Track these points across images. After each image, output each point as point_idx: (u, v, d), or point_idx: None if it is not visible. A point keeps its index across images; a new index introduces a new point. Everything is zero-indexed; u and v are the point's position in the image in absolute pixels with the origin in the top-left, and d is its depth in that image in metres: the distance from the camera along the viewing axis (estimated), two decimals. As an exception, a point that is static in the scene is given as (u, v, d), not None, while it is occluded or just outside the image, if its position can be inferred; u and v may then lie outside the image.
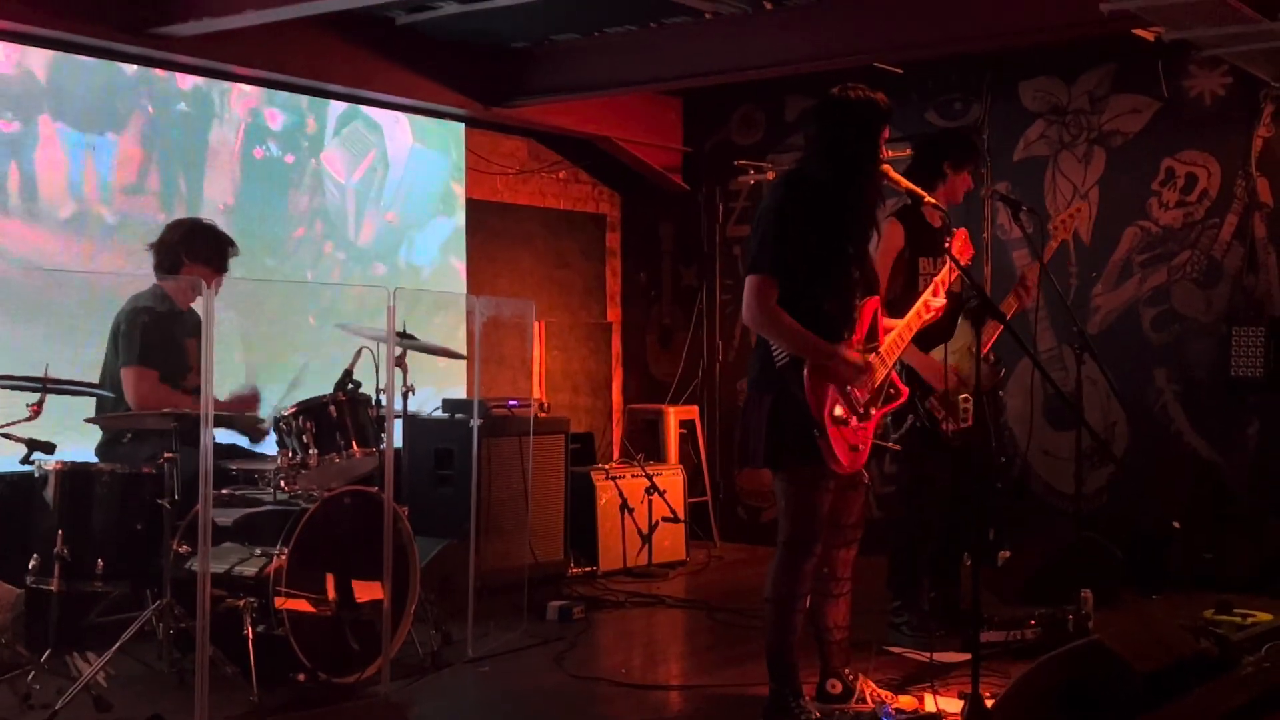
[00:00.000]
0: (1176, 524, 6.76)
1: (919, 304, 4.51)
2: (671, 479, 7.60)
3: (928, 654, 4.81)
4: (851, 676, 4.48)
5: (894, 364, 4.43)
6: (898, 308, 4.63)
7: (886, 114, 4.19)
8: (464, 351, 7.05)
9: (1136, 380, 7.09)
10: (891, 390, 4.40)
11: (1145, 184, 7.14)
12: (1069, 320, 6.55)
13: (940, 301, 4.54)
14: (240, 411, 5.38)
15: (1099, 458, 7.08)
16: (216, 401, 5.28)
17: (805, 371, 4.07)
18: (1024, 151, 7.50)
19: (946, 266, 4.61)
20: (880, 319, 4.37)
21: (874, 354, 4.30)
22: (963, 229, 4.85)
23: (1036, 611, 5.39)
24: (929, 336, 4.91)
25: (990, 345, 5.47)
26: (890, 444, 4.79)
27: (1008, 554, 6.73)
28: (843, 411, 4.14)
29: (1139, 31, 6.33)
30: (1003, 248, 7.52)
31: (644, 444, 8.18)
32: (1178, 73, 7.02)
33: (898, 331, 4.44)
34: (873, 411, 4.27)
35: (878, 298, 4.38)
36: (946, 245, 4.67)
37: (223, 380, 5.32)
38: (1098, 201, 7.24)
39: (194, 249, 5.31)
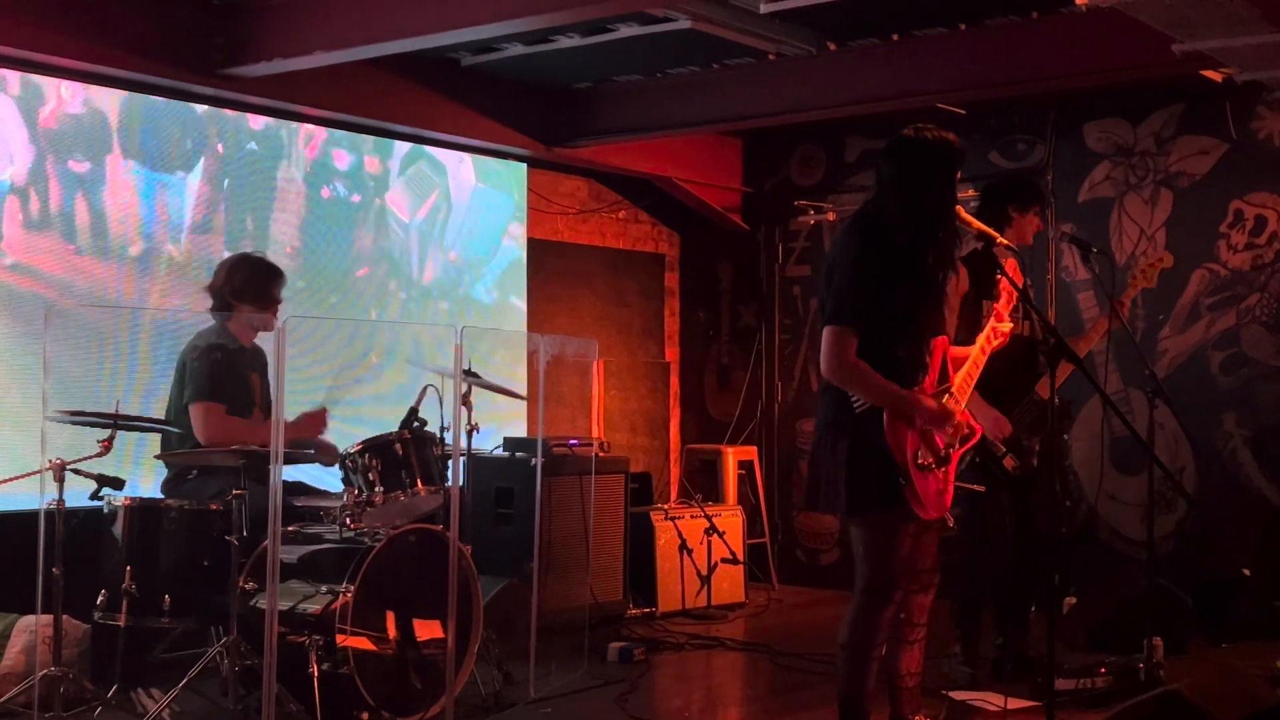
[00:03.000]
0: (1246, 571, 6.64)
1: (986, 330, 4.45)
2: (730, 520, 7.55)
3: (1001, 701, 4.74)
4: None
5: (965, 403, 4.37)
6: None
7: (961, 155, 4.16)
8: (524, 391, 7.06)
9: (1205, 425, 6.99)
10: (966, 429, 4.34)
11: (1213, 226, 7.06)
12: (1136, 363, 6.47)
13: (1007, 326, 4.46)
14: (307, 433, 5.40)
15: (1170, 499, 6.97)
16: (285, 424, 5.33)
17: (885, 419, 4.03)
18: (1089, 193, 7.44)
19: (1004, 296, 4.56)
20: (949, 357, 4.31)
21: (947, 395, 4.25)
22: (1013, 259, 4.78)
23: (1106, 659, 5.30)
24: (1004, 391, 4.87)
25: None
26: (973, 485, 4.72)
27: (1073, 600, 6.63)
28: (925, 458, 4.09)
29: (1206, 73, 6.28)
30: (1067, 289, 7.46)
31: (702, 484, 8.15)
32: (1246, 114, 6.95)
33: (966, 369, 4.39)
34: (951, 454, 4.22)
35: (945, 337, 4.34)
36: (998, 278, 4.61)
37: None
38: (1164, 243, 7.16)
39: (237, 290, 5.32)
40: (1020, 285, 4.58)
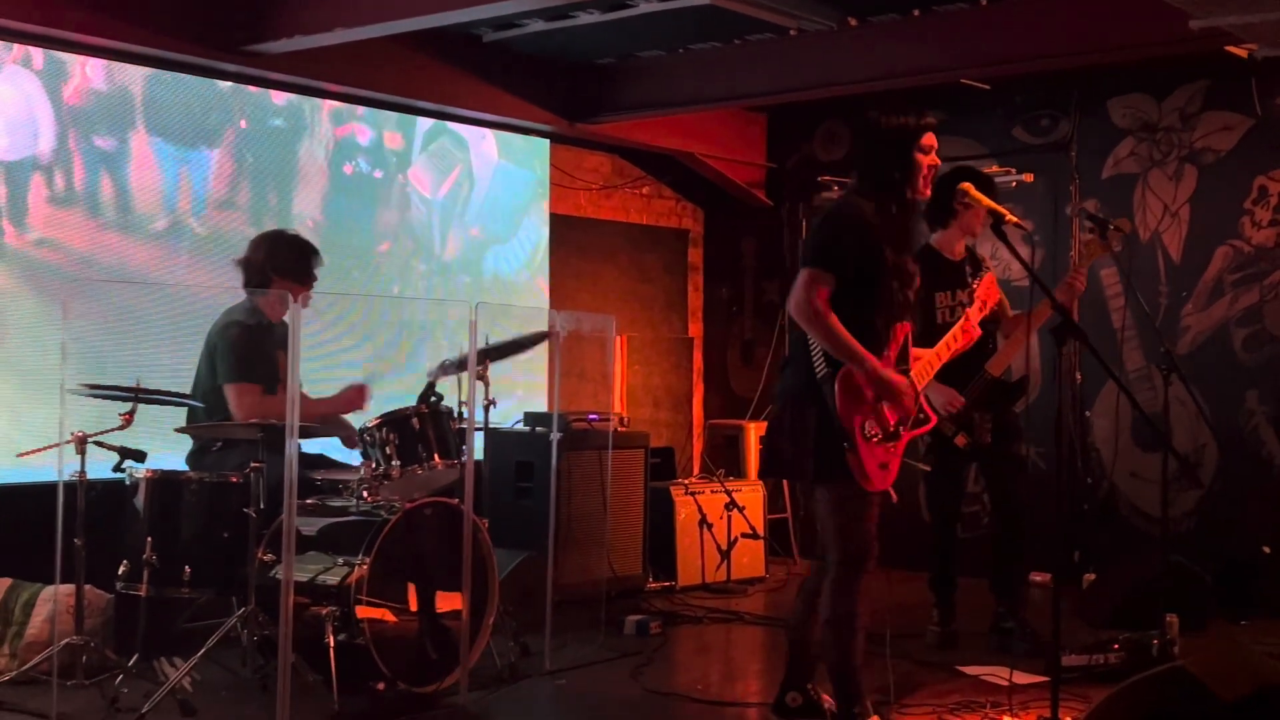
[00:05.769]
0: (1266, 549, 6.62)
1: (955, 329, 4.50)
2: (751, 495, 7.58)
3: (1007, 674, 4.77)
4: (814, 691, 4.45)
5: (923, 389, 4.40)
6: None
7: (918, 130, 4.18)
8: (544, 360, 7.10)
9: (1227, 402, 6.96)
10: (920, 415, 4.36)
11: (1237, 202, 7.02)
12: (1157, 339, 6.45)
13: (976, 332, 4.54)
14: (349, 408, 5.45)
15: (1186, 481, 6.96)
16: (325, 399, 5.40)
17: (837, 386, 4.06)
18: (1113, 169, 7.40)
19: (977, 302, 4.60)
20: (910, 343, 4.34)
21: (904, 376, 4.28)
22: (990, 273, 4.83)
23: (1120, 635, 5.31)
24: (955, 368, 4.93)
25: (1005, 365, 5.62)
26: (921, 464, 4.76)
27: (1092, 577, 6.64)
28: (872, 429, 4.12)
29: (1231, 49, 6.24)
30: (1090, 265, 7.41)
31: (724, 459, 8.17)
32: (1271, 90, 6.89)
33: (927, 360, 4.43)
34: (902, 432, 4.24)
35: (909, 322, 4.36)
36: (972, 283, 4.69)
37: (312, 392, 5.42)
38: (1188, 220, 7.13)
39: (278, 265, 5.34)
40: (996, 300, 4.64)
